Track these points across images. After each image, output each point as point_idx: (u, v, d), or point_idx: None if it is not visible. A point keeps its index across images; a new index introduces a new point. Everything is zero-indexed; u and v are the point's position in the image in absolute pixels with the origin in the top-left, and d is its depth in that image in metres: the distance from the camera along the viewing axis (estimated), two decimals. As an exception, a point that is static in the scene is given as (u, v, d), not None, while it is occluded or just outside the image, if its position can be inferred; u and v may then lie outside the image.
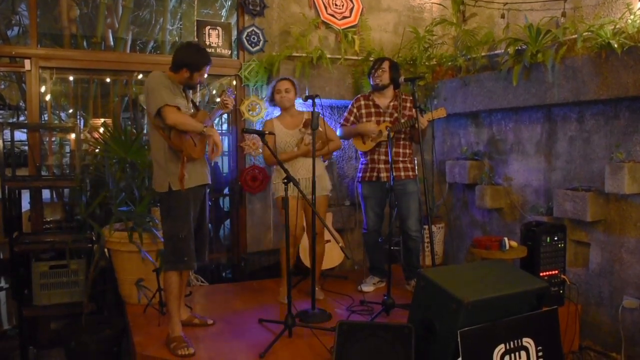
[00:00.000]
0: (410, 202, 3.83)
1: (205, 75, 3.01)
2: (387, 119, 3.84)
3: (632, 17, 3.18)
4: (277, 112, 3.97)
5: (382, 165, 3.83)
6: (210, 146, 2.92)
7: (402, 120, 3.78)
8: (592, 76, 3.20)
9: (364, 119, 3.88)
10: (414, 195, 3.85)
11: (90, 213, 3.61)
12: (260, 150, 4.34)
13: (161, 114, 2.79)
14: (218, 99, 3.06)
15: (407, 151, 3.90)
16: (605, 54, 3.12)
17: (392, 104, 3.86)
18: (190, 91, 3.20)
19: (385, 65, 3.82)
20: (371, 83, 3.90)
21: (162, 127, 2.84)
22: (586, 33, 3.26)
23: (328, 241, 4.13)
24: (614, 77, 3.09)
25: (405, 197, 3.83)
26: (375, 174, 3.85)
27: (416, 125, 3.62)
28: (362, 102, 3.92)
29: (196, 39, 4.30)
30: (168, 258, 2.92)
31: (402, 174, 3.84)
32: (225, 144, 5.11)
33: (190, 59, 2.91)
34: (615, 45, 3.00)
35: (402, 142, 3.86)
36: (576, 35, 3.32)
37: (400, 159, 3.85)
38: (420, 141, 3.55)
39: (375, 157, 3.85)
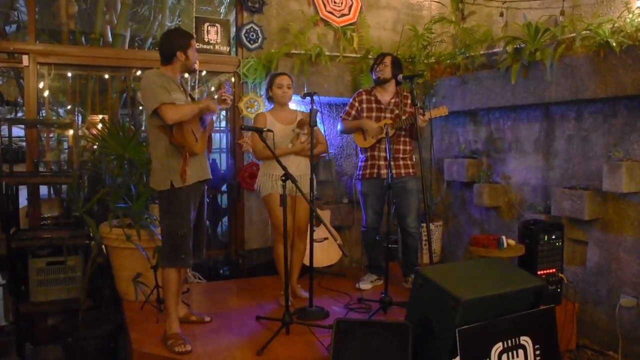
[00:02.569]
0: (409, 199, 3.83)
1: (196, 50, 2.98)
2: (388, 115, 3.84)
3: (630, 15, 3.19)
4: (269, 106, 3.90)
5: (382, 162, 3.82)
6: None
7: (403, 117, 3.78)
8: (591, 75, 3.20)
9: (365, 114, 3.88)
10: (414, 193, 3.84)
11: (88, 209, 3.60)
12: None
13: (159, 114, 2.77)
14: (216, 96, 3.04)
15: (408, 148, 3.89)
16: (603, 53, 3.11)
17: (393, 100, 3.86)
18: (189, 87, 3.19)
19: (387, 60, 3.82)
20: (373, 77, 3.90)
21: (162, 124, 2.83)
22: (585, 32, 3.25)
23: (326, 239, 4.12)
24: (612, 76, 3.08)
25: (405, 194, 3.83)
26: (375, 170, 3.84)
27: (415, 125, 3.62)
28: (364, 97, 3.91)
29: (195, 36, 4.30)
30: (166, 255, 2.91)
31: (403, 171, 3.83)
32: (223, 141, 5.11)
33: (176, 41, 2.90)
34: (614, 44, 3.00)
35: (402, 139, 3.85)
36: (575, 34, 3.32)
37: (401, 155, 3.85)
38: (418, 139, 3.55)
39: (376, 153, 3.85)
